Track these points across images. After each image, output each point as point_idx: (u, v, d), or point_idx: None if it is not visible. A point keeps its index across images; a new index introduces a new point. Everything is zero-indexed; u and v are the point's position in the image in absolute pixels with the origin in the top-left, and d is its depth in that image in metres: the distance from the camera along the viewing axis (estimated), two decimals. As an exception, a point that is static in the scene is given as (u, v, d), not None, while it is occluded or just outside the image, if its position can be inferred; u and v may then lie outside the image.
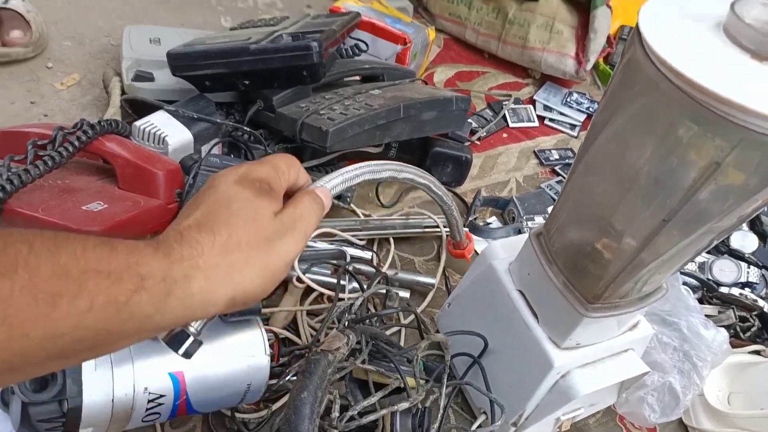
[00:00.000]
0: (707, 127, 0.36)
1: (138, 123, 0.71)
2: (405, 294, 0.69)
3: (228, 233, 0.37)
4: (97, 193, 0.64)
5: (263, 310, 0.66)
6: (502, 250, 0.60)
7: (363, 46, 0.89)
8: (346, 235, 0.73)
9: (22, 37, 0.86)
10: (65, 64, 0.89)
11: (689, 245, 0.46)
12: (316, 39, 0.72)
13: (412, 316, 0.68)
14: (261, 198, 0.39)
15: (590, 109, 1.03)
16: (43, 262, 0.29)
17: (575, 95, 1.04)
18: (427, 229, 0.78)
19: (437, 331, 0.67)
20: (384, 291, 0.68)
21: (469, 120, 0.96)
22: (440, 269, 0.73)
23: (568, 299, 0.51)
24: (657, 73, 0.37)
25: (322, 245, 0.71)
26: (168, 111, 0.73)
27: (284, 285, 0.68)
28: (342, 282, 0.66)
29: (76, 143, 0.64)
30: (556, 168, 0.92)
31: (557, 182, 0.89)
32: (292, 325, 0.66)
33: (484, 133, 0.94)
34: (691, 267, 0.82)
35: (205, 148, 0.75)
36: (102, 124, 0.67)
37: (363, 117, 0.71)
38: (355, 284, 0.67)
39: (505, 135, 0.96)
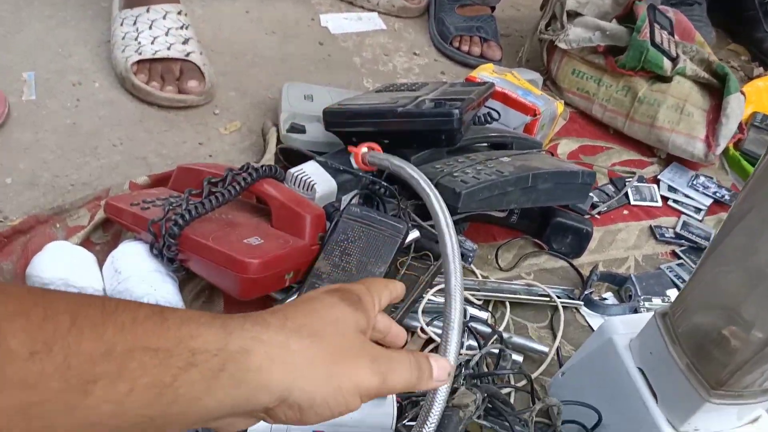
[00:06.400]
0: None
1: (292, 170, 0.80)
2: (518, 357, 0.71)
3: (303, 323, 0.34)
4: (255, 229, 0.73)
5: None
6: (621, 326, 0.62)
7: (495, 115, 0.95)
8: (467, 294, 0.77)
9: (197, 87, 0.99)
10: (229, 112, 1.02)
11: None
12: (458, 107, 0.79)
13: (524, 381, 0.70)
14: (346, 305, 0.37)
15: (717, 194, 1.02)
16: (85, 339, 0.26)
17: (702, 179, 1.04)
18: (542, 298, 0.80)
19: (548, 397, 0.69)
20: (498, 351, 0.71)
21: (590, 194, 0.98)
22: (557, 340, 0.75)
23: (691, 382, 0.52)
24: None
25: (443, 300, 0.76)
26: (318, 161, 0.81)
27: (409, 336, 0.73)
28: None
29: (243, 183, 0.74)
30: (677, 251, 0.92)
31: (678, 265, 0.89)
32: (409, 371, 0.70)
33: (605, 208, 0.96)
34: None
35: (345, 198, 0.83)
36: (264, 168, 0.76)
37: (494, 182, 0.76)
38: (472, 341, 0.71)
39: (625, 212, 0.98)
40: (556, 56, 1.17)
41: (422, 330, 0.70)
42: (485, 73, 1.02)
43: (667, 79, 1.05)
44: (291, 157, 0.89)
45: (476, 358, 0.65)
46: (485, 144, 0.92)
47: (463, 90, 0.89)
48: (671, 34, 1.10)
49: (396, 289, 0.42)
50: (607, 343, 0.61)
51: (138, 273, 0.68)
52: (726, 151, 1.08)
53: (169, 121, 0.98)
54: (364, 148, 0.76)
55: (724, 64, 1.05)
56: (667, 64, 1.04)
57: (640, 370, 0.58)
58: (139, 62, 0.99)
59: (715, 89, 1.05)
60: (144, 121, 0.97)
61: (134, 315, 0.28)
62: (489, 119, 0.94)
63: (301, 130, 0.91)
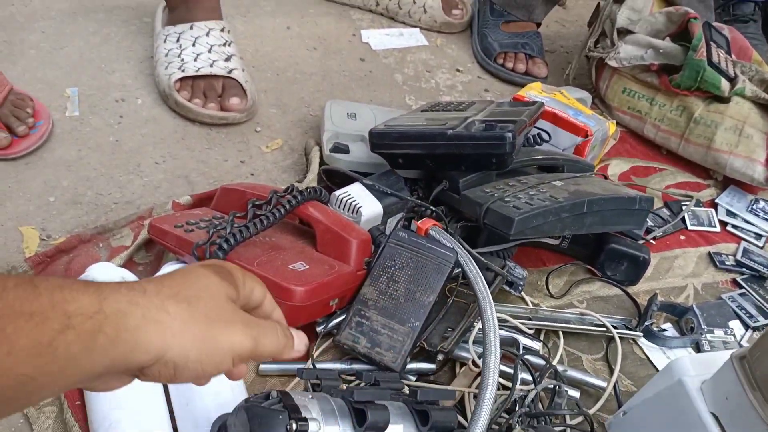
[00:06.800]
0: None
1: (337, 192, 0.78)
2: (574, 393, 0.67)
3: (178, 289, 0.36)
4: (299, 253, 0.70)
5: (434, 386, 0.68)
6: (691, 366, 0.58)
7: (545, 136, 0.92)
8: (516, 322, 0.74)
9: (239, 104, 0.98)
10: (270, 130, 1.01)
11: None
12: (510, 130, 0.76)
13: (580, 418, 0.67)
14: (219, 277, 0.39)
15: (779, 219, 0.97)
16: None
17: (762, 203, 0.99)
18: (597, 328, 0.76)
19: (606, 438, 0.65)
20: (552, 386, 0.67)
21: (644, 217, 0.94)
22: (615, 374, 0.71)
23: (774, 434, 0.48)
24: None
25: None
26: (364, 184, 0.79)
27: (456, 365, 0.70)
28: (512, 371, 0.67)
29: (287, 206, 0.72)
30: (739, 279, 0.87)
31: (740, 295, 0.84)
32: (459, 405, 0.67)
33: (660, 233, 0.92)
34: None
35: (390, 221, 0.80)
36: (309, 190, 0.74)
37: (547, 209, 0.73)
38: (526, 374, 0.67)
39: (682, 237, 0.93)
40: (605, 74, 1.13)
41: (474, 363, 0.67)
42: (533, 92, 0.99)
43: (724, 100, 1.01)
44: (334, 177, 0.87)
45: (531, 395, 0.61)
46: (535, 166, 0.88)
47: (513, 110, 0.86)
48: (728, 52, 1.05)
49: (263, 288, 0.43)
50: (676, 385, 0.57)
51: (181, 297, 0.66)
52: (787, 174, 1.02)
53: (210, 138, 0.97)
54: (430, 227, 0.74)
55: (787, 84, 1.00)
56: (724, 84, 0.99)
57: (714, 415, 0.54)
58: (181, 79, 0.98)
59: (776, 110, 1.00)
60: (186, 138, 0.96)
61: (3, 284, 0.29)
62: (539, 140, 0.91)
63: (345, 149, 0.89)
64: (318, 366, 0.68)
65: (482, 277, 0.67)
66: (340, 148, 0.89)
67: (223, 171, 0.92)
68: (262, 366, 0.68)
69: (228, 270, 0.40)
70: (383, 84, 1.15)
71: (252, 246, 0.69)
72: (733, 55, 1.07)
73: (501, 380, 0.66)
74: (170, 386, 0.63)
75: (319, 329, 0.71)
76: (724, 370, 0.53)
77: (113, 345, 0.32)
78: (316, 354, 0.69)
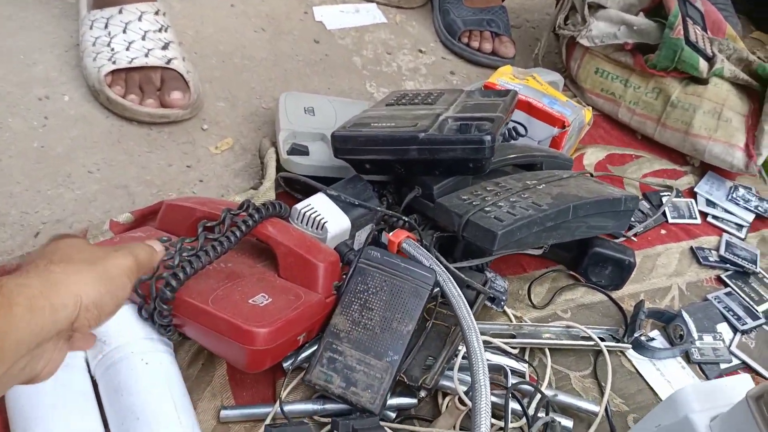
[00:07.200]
0: None
1: (299, 206, 0.69)
2: (567, 422, 0.63)
3: (49, 258, 0.40)
4: (259, 282, 0.62)
5: (420, 429, 0.62)
6: (697, 401, 0.53)
7: (521, 130, 0.85)
8: (500, 343, 0.68)
9: (181, 99, 0.88)
10: (219, 127, 0.90)
11: None
12: (488, 131, 0.68)
13: (573, 446, 0.62)
14: (70, 239, 0.44)
15: (759, 208, 0.94)
16: None
17: (741, 190, 0.95)
18: (584, 342, 0.72)
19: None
20: (544, 421, 0.62)
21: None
22: (606, 396, 0.67)
23: (798, 485, 0.44)
24: None
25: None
26: (327, 195, 0.71)
27: (439, 395, 0.64)
28: (501, 401, 0.61)
29: (244, 228, 0.63)
30: (723, 276, 0.84)
31: (726, 294, 0.81)
32: (444, 443, 0.61)
33: (642, 229, 0.87)
34: None
35: (358, 235, 0.72)
36: (267, 207, 0.65)
37: (532, 219, 0.67)
38: (515, 404, 0.62)
39: (663, 231, 0.89)
40: (576, 53, 1.06)
41: (461, 401, 0.61)
42: (505, 78, 0.92)
43: (702, 81, 0.96)
44: (294, 183, 0.79)
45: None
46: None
47: (486, 103, 0.79)
48: (704, 29, 1.00)
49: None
50: (682, 423, 0.52)
51: (126, 342, 0.58)
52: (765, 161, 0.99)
53: (151, 140, 0.86)
54: (403, 240, 0.67)
55: (767, 65, 0.96)
56: (703, 65, 0.94)
57: (725, 456, 0.50)
58: (113, 72, 0.86)
59: (755, 92, 0.96)
60: (123, 141, 0.85)
61: None
62: (514, 134, 0.84)
63: (304, 151, 0.80)
64: (286, 407, 0.61)
65: (465, 303, 0.61)
66: (298, 150, 0.80)
67: (168, 178, 0.82)
68: (223, 413, 0.60)
69: (69, 233, 0.44)
70: (341, 69, 1.05)
71: (205, 277, 0.61)
72: (708, 31, 1.01)
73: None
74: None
75: (286, 365, 0.63)
76: (738, 411, 0.49)
77: (31, 312, 0.35)
78: (284, 394, 0.62)
